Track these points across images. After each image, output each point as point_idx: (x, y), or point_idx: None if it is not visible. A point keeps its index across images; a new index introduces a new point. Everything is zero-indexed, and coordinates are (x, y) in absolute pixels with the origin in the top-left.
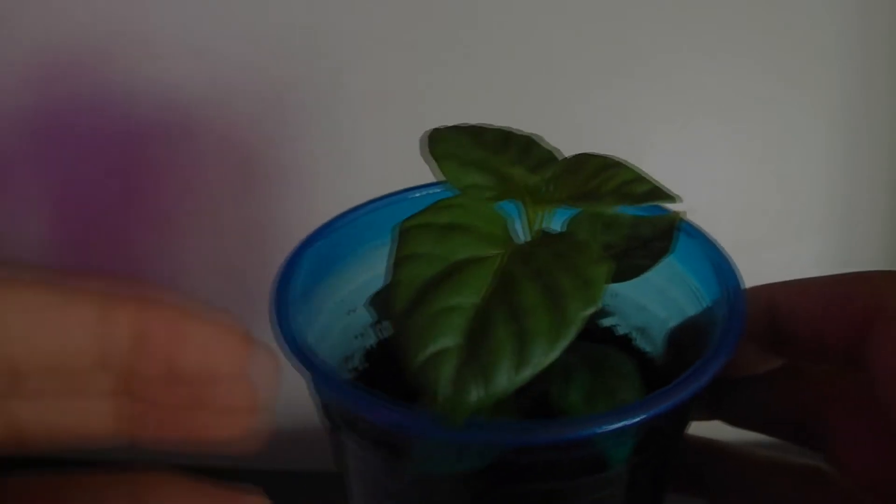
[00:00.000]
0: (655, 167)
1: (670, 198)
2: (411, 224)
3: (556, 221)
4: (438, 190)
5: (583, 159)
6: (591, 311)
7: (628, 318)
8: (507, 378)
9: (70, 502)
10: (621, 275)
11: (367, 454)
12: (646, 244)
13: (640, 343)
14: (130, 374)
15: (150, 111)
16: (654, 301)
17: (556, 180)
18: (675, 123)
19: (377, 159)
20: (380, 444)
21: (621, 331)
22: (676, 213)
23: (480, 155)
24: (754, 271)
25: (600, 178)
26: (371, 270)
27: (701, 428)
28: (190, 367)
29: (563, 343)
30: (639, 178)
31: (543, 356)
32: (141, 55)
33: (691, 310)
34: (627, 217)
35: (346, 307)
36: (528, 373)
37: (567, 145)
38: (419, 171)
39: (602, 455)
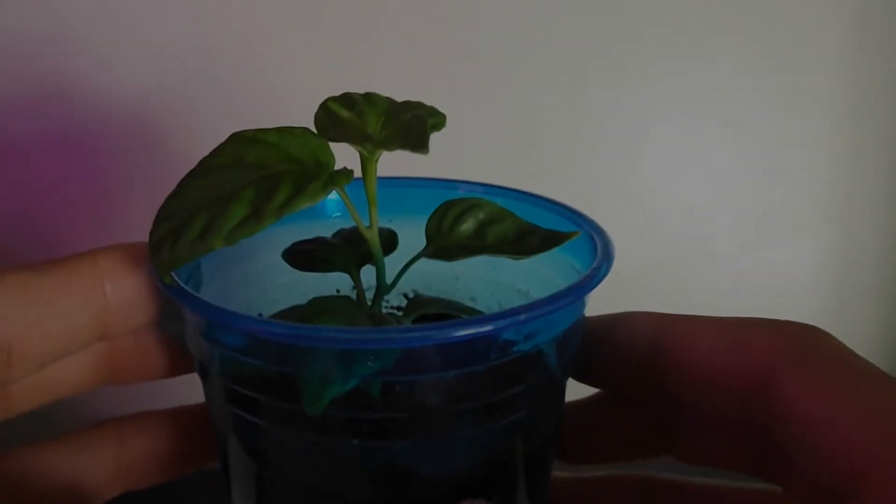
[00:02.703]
0: (655, 167)
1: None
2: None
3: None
4: None
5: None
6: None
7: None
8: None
9: (61, 454)
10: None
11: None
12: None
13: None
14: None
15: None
16: (536, 286)
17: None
18: (674, 123)
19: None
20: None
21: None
22: (576, 233)
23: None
24: (755, 271)
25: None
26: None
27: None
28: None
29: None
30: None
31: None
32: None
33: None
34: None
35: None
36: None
37: (566, 146)
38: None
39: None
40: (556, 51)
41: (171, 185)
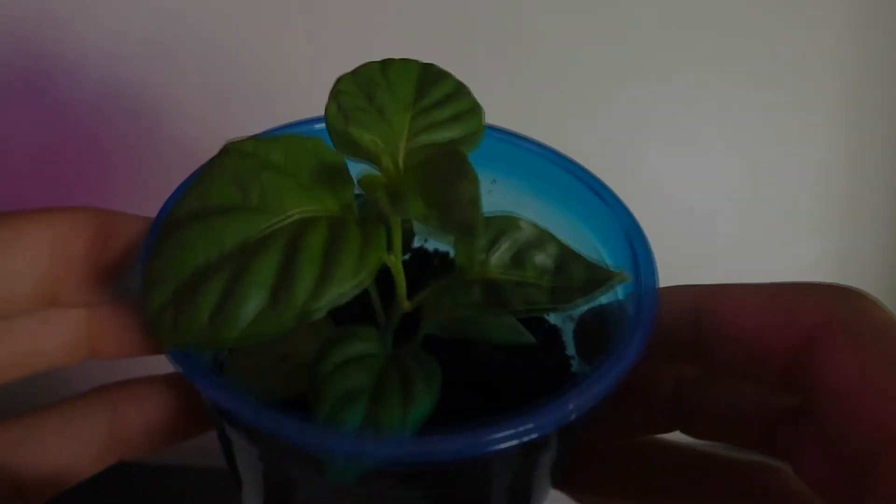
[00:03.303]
0: (655, 167)
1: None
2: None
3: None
4: None
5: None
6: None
7: None
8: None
9: (50, 426)
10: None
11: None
12: (568, 278)
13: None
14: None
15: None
16: None
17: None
18: (674, 124)
19: None
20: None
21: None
22: (621, 276)
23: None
24: (755, 271)
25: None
26: None
27: None
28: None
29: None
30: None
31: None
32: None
33: (604, 299)
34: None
35: None
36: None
37: (565, 147)
38: None
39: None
40: (555, 51)
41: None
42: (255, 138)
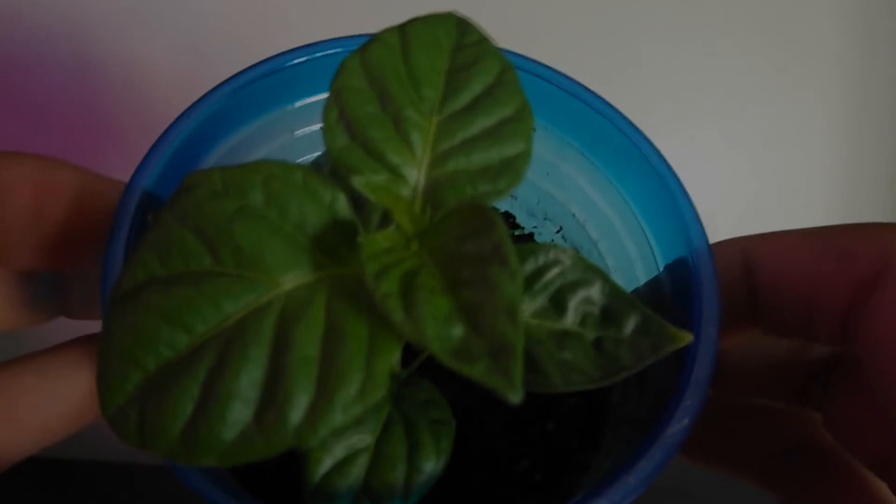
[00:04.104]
0: None
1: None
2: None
3: None
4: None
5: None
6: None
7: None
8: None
9: (21, 381)
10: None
11: None
12: (623, 333)
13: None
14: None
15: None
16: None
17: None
18: (674, 124)
19: None
20: None
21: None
22: (683, 336)
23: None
24: None
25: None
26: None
27: None
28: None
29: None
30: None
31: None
32: None
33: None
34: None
35: None
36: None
37: None
38: None
39: None
40: (554, 51)
41: None
42: (225, 169)
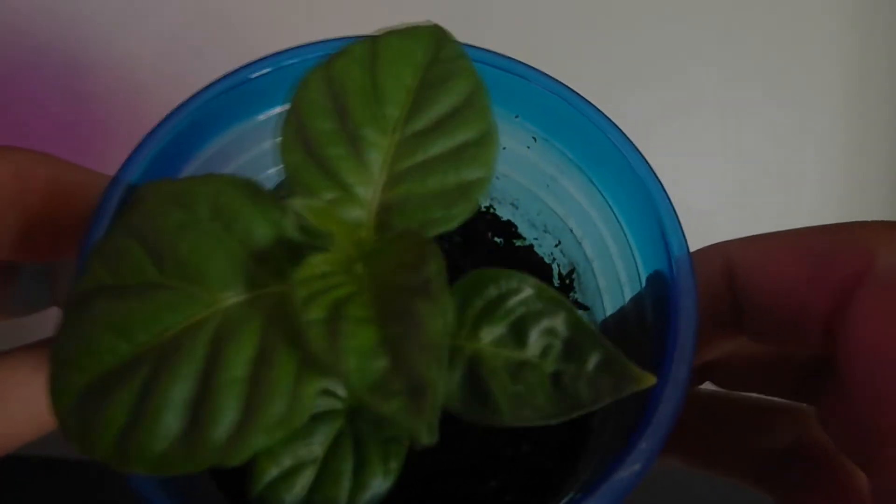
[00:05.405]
0: (655, 167)
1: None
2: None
3: None
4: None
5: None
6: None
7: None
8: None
9: (23, 370)
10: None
11: None
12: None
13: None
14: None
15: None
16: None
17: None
18: (674, 124)
19: None
20: None
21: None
22: (646, 378)
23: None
24: None
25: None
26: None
27: None
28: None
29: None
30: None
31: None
32: None
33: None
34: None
35: None
36: None
37: None
38: None
39: None
40: (553, 51)
41: None
42: (174, 182)
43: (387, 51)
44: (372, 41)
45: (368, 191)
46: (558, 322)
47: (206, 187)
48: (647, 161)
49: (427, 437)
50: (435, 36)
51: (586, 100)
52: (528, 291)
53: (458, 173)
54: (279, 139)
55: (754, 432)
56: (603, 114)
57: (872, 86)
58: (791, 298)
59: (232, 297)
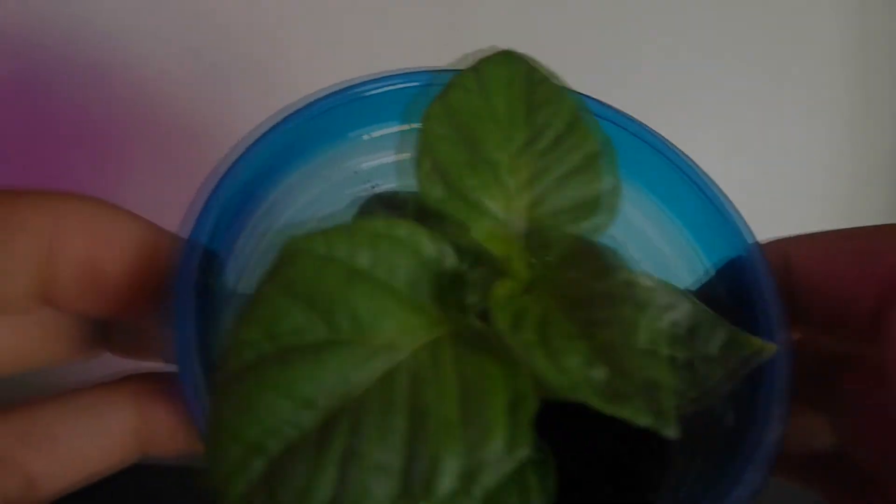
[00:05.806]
0: None
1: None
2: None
3: None
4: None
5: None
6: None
7: None
8: None
9: (63, 420)
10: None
11: None
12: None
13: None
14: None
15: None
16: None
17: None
18: (674, 124)
19: None
20: None
21: None
22: (768, 347)
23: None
24: None
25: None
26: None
27: None
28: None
29: None
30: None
31: None
32: None
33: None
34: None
35: None
36: None
37: None
38: None
39: None
40: (552, 52)
41: None
42: (326, 233)
43: (492, 80)
44: (475, 71)
45: (514, 214)
46: (680, 313)
47: (362, 234)
48: (685, 154)
49: (671, 431)
50: (524, 61)
51: (615, 108)
52: (651, 287)
53: (592, 185)
54: (418, 178)
55: (800, 429)
56: (634, 118)
57: (874, 84)
58: (842, 292)
59: (415, 342)
